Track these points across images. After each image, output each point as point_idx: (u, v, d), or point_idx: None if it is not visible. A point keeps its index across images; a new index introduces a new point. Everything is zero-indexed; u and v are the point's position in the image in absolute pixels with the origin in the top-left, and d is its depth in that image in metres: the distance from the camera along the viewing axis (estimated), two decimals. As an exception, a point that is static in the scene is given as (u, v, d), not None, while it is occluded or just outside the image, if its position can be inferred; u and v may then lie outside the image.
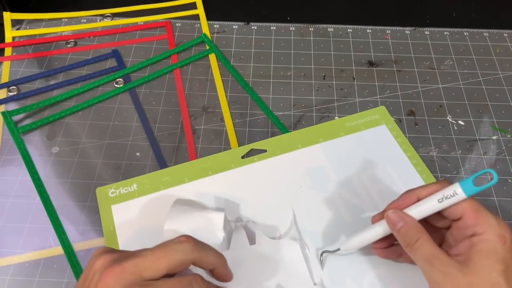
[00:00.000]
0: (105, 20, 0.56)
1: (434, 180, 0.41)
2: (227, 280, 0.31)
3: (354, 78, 0.50)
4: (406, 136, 0.45)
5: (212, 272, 0.30)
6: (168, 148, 0.44)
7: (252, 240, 0.36)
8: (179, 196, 0.38)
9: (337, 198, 0.40)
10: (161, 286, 0.27)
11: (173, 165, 0.43)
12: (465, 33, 0.55)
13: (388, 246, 0.34)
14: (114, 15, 0.57)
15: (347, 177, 0.41)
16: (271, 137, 0.45)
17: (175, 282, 0.27)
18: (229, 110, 0.47)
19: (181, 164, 0.42)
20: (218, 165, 0.42)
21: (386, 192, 0.40)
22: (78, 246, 0.38)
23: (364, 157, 0.43)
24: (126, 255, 0.27)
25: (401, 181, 0.41)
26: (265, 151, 0.43)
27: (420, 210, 0.31)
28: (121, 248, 0.37)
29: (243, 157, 0.43)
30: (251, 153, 0.43)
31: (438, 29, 0.56)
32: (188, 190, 0.40)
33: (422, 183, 0.41)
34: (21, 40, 0.54)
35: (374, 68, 0.51)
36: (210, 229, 0.34)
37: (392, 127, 0.45)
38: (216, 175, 0.41)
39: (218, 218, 0.34)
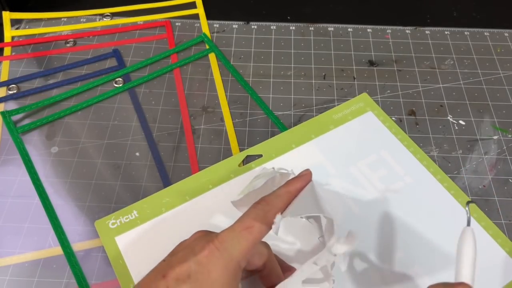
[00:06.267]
0: (105, 19, 0.56)
1: (426, 156, 0.43)
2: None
3: (354, 78, 0.50)
4: (394, 120, 0.45)
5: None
6: (167, 148, 0.44)
7: None
8: (183, 216, 0.38)
9: (342, 192, 0.40)
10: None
11: (173, 164, 0.43)
12: (465, 33, 0.55)
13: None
14: (114, 15, 0.56)
15: (346, 170, 0.41)
16: (271, 137, 0.45)
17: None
18: (229, 110, 0.47)
19: (179, 181, 0.41)
20: (217, 177, 0.41)
21: (387, 178, 0.41)
22: (77, 246, 0.38)
23: (358, 147, 0.43)
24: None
25: (398, 164, 0.42)
26: (261, 155, 0.43)
27: None
28: (134, 279, 0.36)
29: (239, 165, 0.42)
30: (247, 159, 0.43)
31: (438, 28, 0.55)
32: (191, 207, 0.39)
33: (418, 163, 0.42)
34: (20, 39, 0.54)
35: (375, 68, 0.51)
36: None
37: (378, 112, 0.46)
38: (217, 187, 0.40)
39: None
